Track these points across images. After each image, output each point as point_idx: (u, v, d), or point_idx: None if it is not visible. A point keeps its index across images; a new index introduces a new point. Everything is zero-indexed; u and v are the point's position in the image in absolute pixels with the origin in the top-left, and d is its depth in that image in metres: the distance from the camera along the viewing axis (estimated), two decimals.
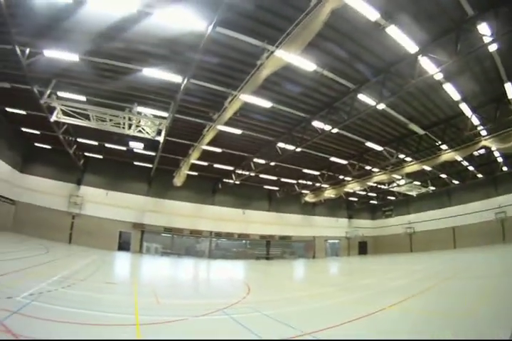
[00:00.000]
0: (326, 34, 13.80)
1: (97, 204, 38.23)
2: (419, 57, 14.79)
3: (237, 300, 11.09)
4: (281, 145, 26.25)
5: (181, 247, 39.62)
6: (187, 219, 39.84)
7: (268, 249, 43.20)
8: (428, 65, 14.85)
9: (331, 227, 49.68)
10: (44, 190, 37.23)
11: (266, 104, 20.19)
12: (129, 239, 37.65)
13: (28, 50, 18.26)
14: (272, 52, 13.63)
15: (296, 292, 14.71)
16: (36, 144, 38.04)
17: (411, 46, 14.42)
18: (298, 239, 45.58)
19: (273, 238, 43.36)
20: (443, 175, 35.31)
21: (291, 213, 46.87)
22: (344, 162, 30.54)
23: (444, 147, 25.49)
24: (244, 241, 42.94)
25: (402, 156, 27.42)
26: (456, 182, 37.70)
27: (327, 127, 21.59)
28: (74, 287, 11.17)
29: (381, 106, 18.90)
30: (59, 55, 18.56)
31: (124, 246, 37.00)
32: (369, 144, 26.04)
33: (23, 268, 13.11)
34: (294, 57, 13.79)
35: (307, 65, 15.75)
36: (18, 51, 17.63)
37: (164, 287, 14.87)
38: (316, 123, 22.16)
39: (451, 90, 17.95)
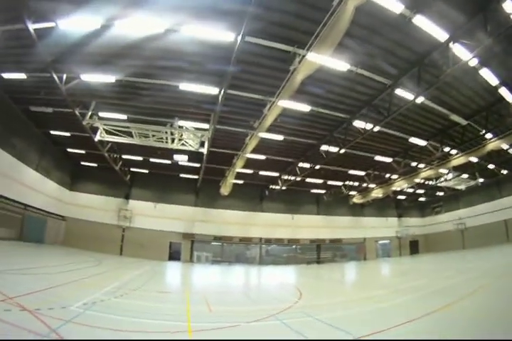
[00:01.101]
0: (353, 32, 13.67)
1: (146, 216, 39.15)
2: (451, 45, 14.30)
3: (289, 305, 11.00)
4: (324, 147, 25.97)
5: (231, 255, 39.78)
6: (236, 227, 40.03)
7: (318, 252, 42.51)
8: (461, 52, 14.33)
9: (381, 227, 48.32)
10: (93, 206, 38.74)
11: (305, 108, 20.17)
12: (180, 249, 38.23)
13: (64, 76, 19.25)
14: (304, 56, 13.67)
15: (348, 295, 14.60)
16: (83, 163, 39.76)
17: (440, 34, 14.07)
18: (348, 242, 44.56)
19: (323, 241, 42.66)
20: (491, 166, 33.66)
21: (340, 215, 46.04)
22: (389, 160, 29.87)
23: (488, 136, 24.35)
24: (294, 246, 42.37)
25: (447, 149, 26.46)
26: (505, 171, 35.81)
27: (368, 126, 21.17)
28: (126, 296, 11.38)
29: (420, 100, 18.35)
30: (95, 78, 19.56)
31: (174, 256, 37.64)
32: (412, 140, 25.34)
33: (77, 280, 13.49)
34: (326, 59, 13.68)
35: (340, 65, 15.71)
36: (56, 78, 18.68)
37: (216, 294, 14.90)
38: (357, 123, 21.80)
39: (488, 75, 17.24)
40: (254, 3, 11.93)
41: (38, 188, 32.45)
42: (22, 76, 20.98)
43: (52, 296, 9.35)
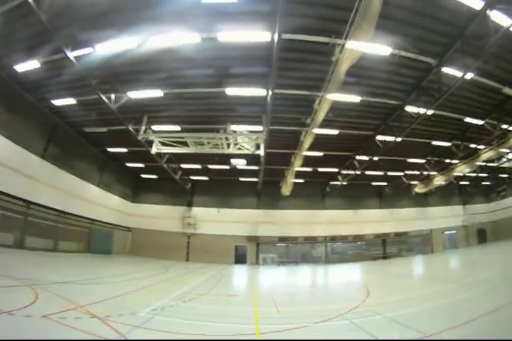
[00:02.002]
0: (388, 13, 13.02)
1: (210, 222, 39.79)
2: (488, 12, 13.35)
3: (357, 304, 10.75)
4: (380, 138, 25.19)
5: (297, 255, 39.47)
6: (300, 227, 39.70)
7: (384, 248, 40.99)
8: (500, 18, 13.37)
9: (447, 217, 44.84)
10: (157, 215, 40.07)
11: (354, 98, 19.77)
12: (245, 252, 38.49)
13: (113, 96, 19.93)
14: (343, 46, 13.26)
15: (417, 291, 14.02)
16: (143, 176, 41.25)
17: (475, 2, 13.20)
18: (414, 234, 42.36)
19: (388, 236, 41.13)
20: None
21: (404, 207, 43.94)
22: (447, 144, 28.35)
23: None
24: (359, 243, 41.30)
25: (505, 126, 24.77)
26: None
27: (421, 110, 20.22)
28: (195, 301, 11.46)
29: (469, 76, 17.02)
30: (143, 94, 20.20)
31: (240, 259, 37.92)
32: (468, 120, 23.93)
33: (145, 287, 13.85)
34: (366, 45, 13.30)
35: (382, 49, 15.22)
36: (105, 99, 19.43)
37: (283, 295, 14.79)
38: (410, 108, 20.94)
39: None
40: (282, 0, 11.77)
41: (102, 203, 34.08)
42: (72, 101, 22.14)
43: (122, 303, 9.60)
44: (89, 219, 31.57)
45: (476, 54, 15.16)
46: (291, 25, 14.07)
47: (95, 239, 32.08)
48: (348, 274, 26.77)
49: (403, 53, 15.83)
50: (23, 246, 22.71)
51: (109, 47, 16.15)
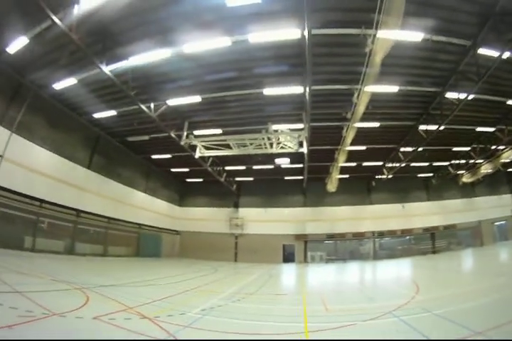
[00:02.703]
0: None
1: (257, 222, 40.16)
2: None
3: (406, 301, 10.52)
4: (422, 127, 24.33)
5: (345, 252, 38.98)
6: (347, 223, 39.21)
7: (433, 242, 39.15)
8: None
9: (496, 207, 40.83)
10: (204, 218, 40.89)
11: (392, 88, 19.41)
12: (293, 250, 38.49)
13: (152, 105, 20.57)
14: (375, 35, 13.09)
15: (467, 286, 13.58)
16: (188, 180, 42.20)
17: None
18: (463, 227, 39.78)
19: (437, 229, 39.26)
20: None
21: (451, 199, 41.57)
22: (491, 129, 27.02)
23: None
24: (407, 237, 40.04)
25: None
26: None
27: (462, 95, 19.36)
28: (243, 301, 11.49)
29: (506, 55, 15.96)
30: (181, 100, 20.77)
31: (288, 257, 38.00)
32: (511, 102, 22.62)
33: (194, 287, 13.95)
34: (397, 33, 12.92)
35: (414, 36, 14.81)
36: (144, 108, 20.06)
37: (332, 293, 14.67)
38: (450, 95, 20.11)
39: None
40: None
41: (149, 208, 35.10)
42: (112, 113, 23.06)
43: (172, 304, 9.69)
44: (137, 224, 32.71)
45: (510, 30, 14.45)
46: (320, 19, 13.98)
47: (144, 243, 33.13)
48: (397, 270, 26.27)
49: (435, 37, 15.29)
50: (73, 252, 23.79)
51: (143, 58, 16.77)
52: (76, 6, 13.65)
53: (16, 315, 6.29)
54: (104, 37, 15.96)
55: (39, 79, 20.02)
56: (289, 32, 14.32)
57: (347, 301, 12.11)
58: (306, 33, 13.24)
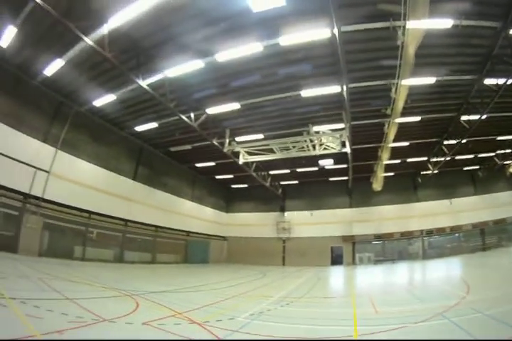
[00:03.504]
0: None
1: (304, 225, 40.07)
2: None
3: (457, 302, 10.26)
4: (464, 118, 23.35)
5: (393, 252, 38.06)
6: (395, 222, 38.29)
7: (483, 238, 36.75)
8: None
9: None
10: (251, 223, 41.24)
11: (429, 80, 18.78)
12: (341, 252, 38.11)
13: (192, 115, 21.06)
14: (404, 27, 12.79)
15: None
16: (233, 186, 42.81)
17: None
18: None
19: (486, 225, 36.67)
20: None
21: (500, 191, 38.36)
22: None
23: None
24: (457, 235, 38.25)
25: None
26: None
27: (501, 81, 18.36)
28: (292, 305, 11.42)
29: None
30: (220, 108, 21.07)
31: (336, 260, 37.65)
32: None
33: (244, 292, 14.05)
34: (426, 22, 12.31)
35: (443, 23, 14.30)
36: (185, 118, 20.60)
37: (381, 295, 14.50)
38: (488, 81, 19.06)
39: None
40: None
41: (196, 215, 35.90)
42: (154, 125, 23.71)
43: (221, 309, 9.75)
44: (185, 231, 33.52)
45: None
46: (347, 16, 13.78)
47: (192, 250, 33.85)
48: (447, 269, 25.46)
49: (465, 22, 14.59)
50: (122, 260, 24.63)
51: (178, 70, 17.18)
52: (105, 26, 14.13)
53: (67, 321, 6.47)
54: (137, 52, 16.52)
55: (79, 98, 20.92)
56: (318, 32, 14.25)
57: (396, 303, 11.92)
58: (335, 31, 13.23)
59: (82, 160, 22.74)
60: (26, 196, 18.72)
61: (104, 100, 20.79)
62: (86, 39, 13.92)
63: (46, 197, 19.57)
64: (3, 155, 17.26)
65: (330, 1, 11.79)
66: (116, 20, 13.84)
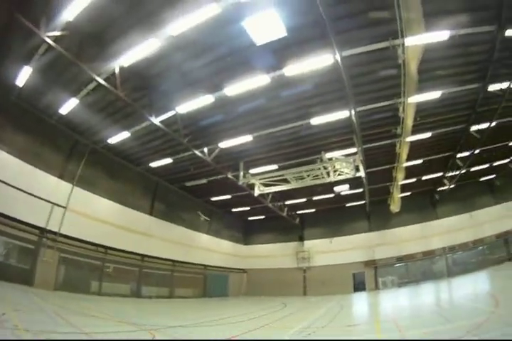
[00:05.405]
0: None
1: (324, 253, 39.61)
2: None
3: (486, 318, 9.97)
4: (474, 128, 23.00)
5: (417, 273, 36.95)
6: (416, 242, 37.53)
7: (508, 248, 34.63)
8: None
9: None
10: (270, 254, 41.05)
11: (435, 94, 18.68)
12: (363, 278, 37.37)
13: (206, 149, 21.45)
14: (403, 45, 12.92)
15: None
16: (250, 218, 42.64)
17: None
18: None
19: (510, 233, 34.91)
20: None
21: None
22: None
23: None
24: (480, 248, 36.33)
25: None
26: None
27: (504, 85, 18.35)
28: (315, 334, 11.19)
29: None
30: (233, 142, 21.38)
31: (359, 286, 36.96)
32: None
33: (264, 324, 13.80)
34: (424, 37, 12.53)
35: (440, 35, 14.17)
36: (198, 153, 21.01)
37: (407, 319, 14.08)
38: (492, 87, 18.82)
39: None
40: (326, 19, 11.83)
41: (213, 249, 35.94)
42: (168, 161, 24.09)
43: None
44: (203, 265, 33.44)
45: None
46: (347, 40, 14.14)
47: (210, 284, 33.67)
48: (473, 285, 24.78)
49: (461, 31, 14.59)
50: (140, 295, 24.69)
51: (189, 106, 17.56)
52: (117, 65, 14.58)
53: None
54: (148, 90, 17.02)
55: (94, 135, 21.41)
56: (321, 59, 14.47)
57: (423, 325, 11.39)
58: (337, 56, 13.46)
59: (98, 195, 23.15)
60: (43, 230, 19.03)
61: (118, 137, 21.27)
62: (99, 79, 14.42)
63: (62, 231, 19.85)
64: (21, 190, 17.72)
65: (328, 28, 12.01)
66: (127, 60, 14.35)
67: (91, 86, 16.25)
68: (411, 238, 37.81)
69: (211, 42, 14.17)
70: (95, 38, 13.88)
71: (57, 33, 12.69)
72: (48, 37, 12.53)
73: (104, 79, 14.75)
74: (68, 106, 18.11)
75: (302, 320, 15.33)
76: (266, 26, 12.62)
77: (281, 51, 14.56)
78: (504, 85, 18.32)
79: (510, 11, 14.00)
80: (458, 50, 16.29)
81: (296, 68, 15.03)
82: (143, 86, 16.75)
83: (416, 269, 37.30)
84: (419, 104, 17.42)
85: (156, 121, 17.80)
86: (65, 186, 20.78)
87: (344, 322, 14.69)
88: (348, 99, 16.94)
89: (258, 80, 15.77)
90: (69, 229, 20.22)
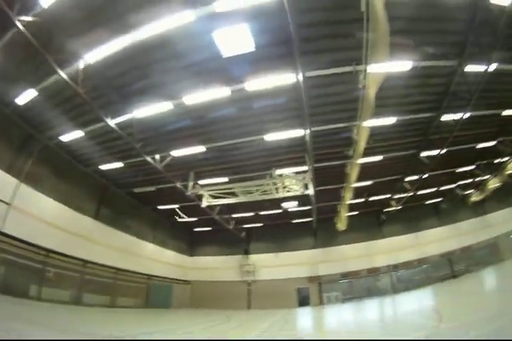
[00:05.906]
0: (396, 27, 11.70)
1: (269, 267, 39.67)
2: None
3: (429, 332, 10.00)
4: (424, 154, 24.12)
5: (361, 289, 37.58)
6: (361, 260, 38.24)
7: (451, 266, 36.78)
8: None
9: (510, 219, 36.42)
10: (215, 266, 40.86)
11: (390, 120, 19.40)
12: (308, 293, 37.63)
13: (157, 156, 21.20)
14: (365, 71, 13.17)
15: (496, 307, 13.06)
16: (196, 229, 42.40)
17: None
18: (479, 246, 36.46)
19: (453, 253, 37.11)
20: None
21: (463, 220, 38.97)
22: (492, 143, 25.85)
23: None
24: (425, 266, 37.84)
25: None
26: None
27: (457, 116, 19.25)
28: None
29: (492, 67, 15.79)
30: (186, 151, 21.25)
31: (304, 301, 37.13)
32: (506, 112, 21.49)
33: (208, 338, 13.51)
34: (387, 65, 12.74)
35: (402, 65, 14.91)
36: (150, 160, 20.72)
37: (352, 333, 13.76)
38: (446, 117, 19.79)
39: None
40: (295, 39, 12.21)
41: (158, 258, 35.22)
42: (119, 165, 23.56)
43: None
44: (146, 274, 32.48)
45: (492, 43, 14.52)
46: (312, 61, 14.42)
47: (154, 294, 32.87)
48: (418, 301, 25.26)
49: (423, 63, 15.33)
50: (80, 302, 23.50)
51: (147, 111, 17.21)
52: (82, 61, 14.20)
53: None
54: (108, 91, 16.61)
55: (47, 131, 20.45)
56: (284, 77, 14.66)
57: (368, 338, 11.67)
58: (300, 76, 13.74)
59: (44, 195, 21.90)
60: None
61: (72, 135, 20.46)
62: (61, 73, 13.93)
63: (5, 230, 18.37)
64: None
65: (295, 48, 12.28)
66: (92, 57, 13.94)
67: (52, 79, 15.55)
68: (356, 255, 38.44)
69: (179, 49, 14.07)
70: (65, 29, 13.33)
71: (29, 19, 12.08)
72: (19, 21, 11.87)
73: (67, 74, 14.24)
74: (26, 96, 17.08)
75: (247, 332, 15.47)
76: (236, 39, 12.78)
77: (246, 65, 14.64)
78: (457, 116, 19.23)
79: (474, 49, 14.84)
80: (417, 80, 17.02)
81: (258, 83, 15.19)
82: (103, 85, 16.30)
83: (360, 286, 37.96)
84: (373, 128, 17.89)
85: (112, 122, 17.34)
86: (10, 181, 19.30)
87: (288, 336, 14.77)
88: (304, 118, 17.26)
89: (219, 92, 15.79)
90: (11, 228, 18.69)
